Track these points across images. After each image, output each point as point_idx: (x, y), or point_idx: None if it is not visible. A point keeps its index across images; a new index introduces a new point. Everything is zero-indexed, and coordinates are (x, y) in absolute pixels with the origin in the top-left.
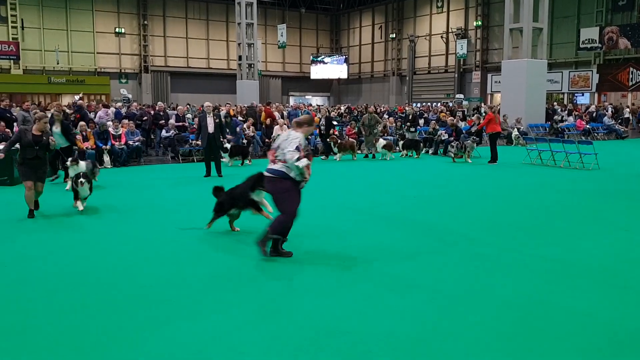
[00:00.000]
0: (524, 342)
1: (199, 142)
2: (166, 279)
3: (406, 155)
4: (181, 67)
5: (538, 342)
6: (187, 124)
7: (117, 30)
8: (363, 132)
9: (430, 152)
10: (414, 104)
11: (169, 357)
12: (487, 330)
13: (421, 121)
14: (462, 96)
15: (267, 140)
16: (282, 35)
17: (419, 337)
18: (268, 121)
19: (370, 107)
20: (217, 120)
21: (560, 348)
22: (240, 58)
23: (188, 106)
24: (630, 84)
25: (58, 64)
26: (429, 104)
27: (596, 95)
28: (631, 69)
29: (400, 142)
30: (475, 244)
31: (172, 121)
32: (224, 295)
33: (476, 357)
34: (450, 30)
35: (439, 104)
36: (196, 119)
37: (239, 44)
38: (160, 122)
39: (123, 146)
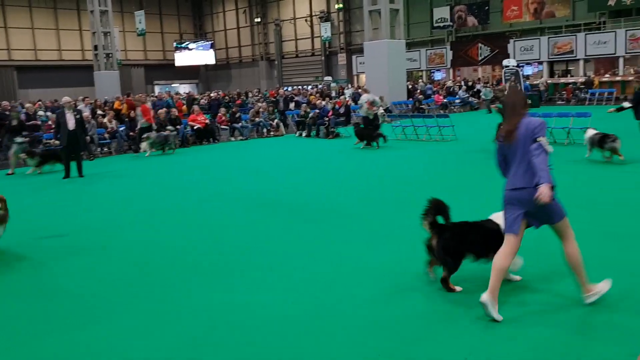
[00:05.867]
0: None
1: (57, 142)
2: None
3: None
4: (28, 60)
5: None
6: (39, 123)
7: None
8: None
9: (304, 134)
10: (285, 88)
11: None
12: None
13: (292, 105)
14: (330, 78)
15: (131, 133)
16: (140, 22)
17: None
18: (132, 114)
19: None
20: (77, 117)
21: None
22: (96, 48)
23: (40, 103)
24: (480, 58)
25: None
26: (299, 87)
27: (451, 70)
28: (480, 45)
29: None
30: (343, 217)
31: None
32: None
33: None
34: (313, 14)
35: (309, 87)
36: (52, 116)
37: (94, 33)
38: (5, 122)
39: None
